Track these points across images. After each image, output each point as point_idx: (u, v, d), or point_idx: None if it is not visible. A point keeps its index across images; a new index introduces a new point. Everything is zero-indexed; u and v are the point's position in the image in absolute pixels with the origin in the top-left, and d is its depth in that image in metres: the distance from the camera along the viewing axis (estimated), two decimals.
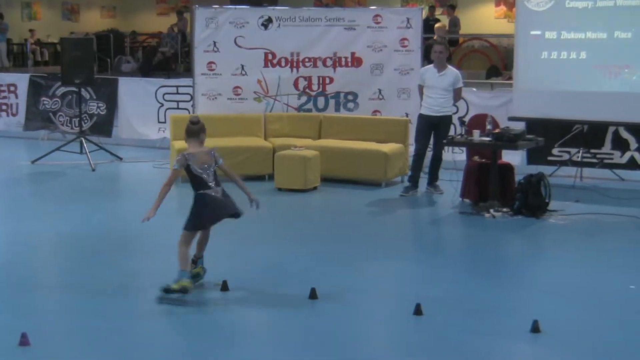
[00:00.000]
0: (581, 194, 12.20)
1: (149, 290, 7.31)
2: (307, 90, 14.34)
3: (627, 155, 13.36)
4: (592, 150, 13.46)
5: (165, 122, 15.38)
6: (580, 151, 13.38)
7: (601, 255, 9.06)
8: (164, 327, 6.81)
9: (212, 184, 7.39)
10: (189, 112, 14.75)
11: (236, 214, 7.52)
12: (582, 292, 7.63)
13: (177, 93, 15.75)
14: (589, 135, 13.35)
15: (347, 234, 9.89)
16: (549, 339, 6.34)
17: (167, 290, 7.18)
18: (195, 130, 7.51)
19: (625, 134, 13.28)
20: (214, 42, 14.20)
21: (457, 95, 12.19)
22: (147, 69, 25.66)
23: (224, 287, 7.48)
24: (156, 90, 15.88)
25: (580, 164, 13.50)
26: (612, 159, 13.42)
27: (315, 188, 12.36)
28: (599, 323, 6.74)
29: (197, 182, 7.41)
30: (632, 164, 13.35)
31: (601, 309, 7.13)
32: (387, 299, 7.50)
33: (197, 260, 7.64)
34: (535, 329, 6.42)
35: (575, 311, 7.08)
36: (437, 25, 20.13)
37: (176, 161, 7.41)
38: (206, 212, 7.39)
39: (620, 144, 13.34)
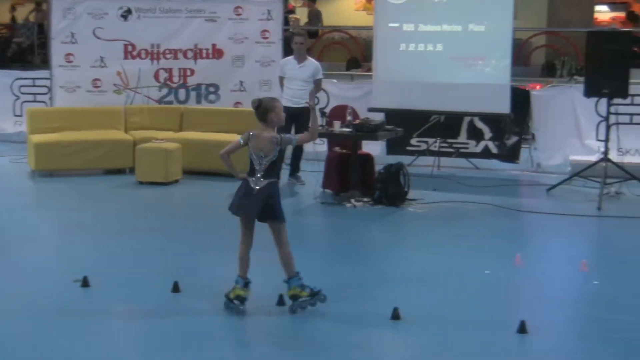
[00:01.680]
0: (439, 183, 12.46)
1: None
2: (167, 82, 14.21)
3: (482, 144, 13.75)
4: (449, 140, 13.78)
5: (21, 116, 14.92)
6: (438, 141, 13.67)
7: (458, 242, 9.27)
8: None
9: (259, 174, 6.78)
10: (46, 105, 14.38)
11: (270, 217, 6.81)
12: (441, 278, 7.77)
13: (34, 85, 15.27)
14: (446, 125, 13.65)
15: (210, 226, 9.81)
16: (409, 326, 6.42)
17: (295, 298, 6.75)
18: (260, 112, 6.82)
19: (479, 124, 13.66)
20: (72, 34, 13.90)
21: (317, 86, 12.26)
22: (1, 61, 24.81)
23: (85, 283, 7.28)
24: (12, 83, 15.39)
25: (438, 154, 13.80)
26: (467, 148, 13.79)
27: (177, 181, 12.23)
28: (458, 308, 6.89)
29: (250, 166, 6.86)
30: (486, 153, 13.75)
31: (459, 294, 7.30)
32: (252, 289, 7.48)
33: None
34: (395, 316, 6.50)
35: (434, 297, 7.21)
36: (291, 16, 20.24)
37: (242, 136, 6.84)
38: (238, 199, 6.85)
39: (475, 134, 13.71)
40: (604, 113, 11.93)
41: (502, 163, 13.80)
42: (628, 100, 12.11)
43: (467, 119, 13.65)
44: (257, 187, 6.72)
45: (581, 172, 12.05)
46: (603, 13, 27.20)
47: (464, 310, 6.83)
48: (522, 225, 10.46)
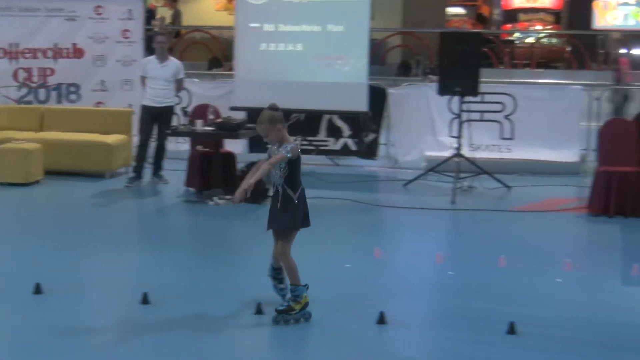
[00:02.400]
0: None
1: None
2: (27, 82, 13.84)
3: (341, 141, 13.93)
4: (309, 138, 13.90)
5: None
6: (298, 139, 13.76)
7: (319, 237, 9.31)
8: None
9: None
10: None
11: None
12: (302, 272, 7.83)
13: None
14: (306, 123, 13.76)
15: (72, 226, 9.62)
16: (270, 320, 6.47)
17: (286, 312, 6.42)
18: (282, 115, 6.73)
19: (339, 122, 13.83)
20: None
21: (179, 86, 12.18)
22: None
23: None
24: None
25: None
26: (327, 145, 13.94)
27: (38, 181, 11.93)
28: (320, 300, 6.96)
29: (299, 176, 6.68)
30: (345, 150, 13.93)
31: (321, 288, 7.36)
32: (114, 289, 7.38)
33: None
34: (259, 310, 6.53)
35: None
36: (156, 18, 20.11)
37: (289, 149, 6.49)
38: (302, 211, 6.71)
39: (335, 132, 13.87)
40: (456, 110, 12.27)
41: (360, 159, 14.01)
42: (478, 98, 12.46)
43: (326, 117, 13.80)
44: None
45: (436, 167, 12.36)
46: (454, 15, 27.87)
47: (324, 302, 6.90)
48: (381, 220, 10.65)
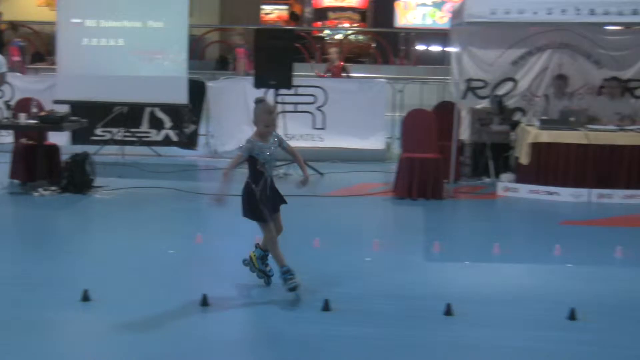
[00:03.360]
0: (124, 170, 12.33)
1: None
2: None
3: (163, 133, 13.78)
4: (132, 130, 13.67)
5: None
6: (121, 131, 13.51)
7: (143, 225, 9.22)
8: None
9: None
10: None
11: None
12: (128, 259, 7.70)
13: None
14: (129, 116, 13.54)
15: None
16: (99, 306, 6.32)
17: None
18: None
19: (160, 114, 13.67)
20: None
21: (0, 80, 11.69)
22: None
23: None
24: None
25: (122, 142, 13.65)
26: (149, 137, 13.75)
27: None
28: (144, 286, 6.86)
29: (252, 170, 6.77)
30: (167, 141, 13.80)
31: (146, 272, 7.26)
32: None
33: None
34: (85, 297, 6.37)
35: (122, 277, 7.13)
36: None
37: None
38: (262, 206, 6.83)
39: (156, 123, 13.70)
40: (272, 103, 12.33)
41: (182, 150, 13.89)
42: (292, 91, 12.59)
43: (148, 110, 13.62)
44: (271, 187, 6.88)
45: None
46: (268, 12, 27.99)
47: (149, 287, 6.80)
48: (202, 207, 10.58)
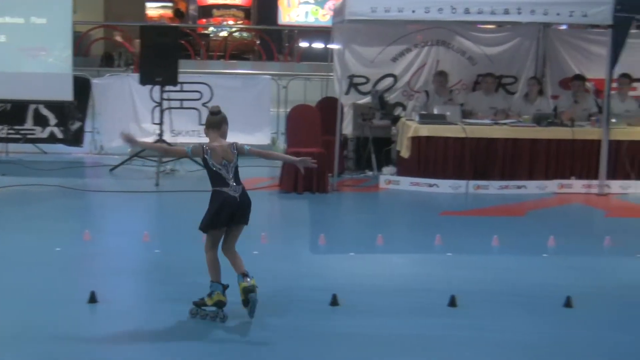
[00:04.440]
0: (8, 168, 11.95)
1: None
2: None
3: (48, 130, 13.40)
4: (16, 127, 13.25)
5: None
6: (5, 128, 13.09)
7: (29, 223, 8.96)
8: None
9: (231, 182, 6.14)
10: None
11: (245, 221, 6.32)
12: (13, 258, 7.47)
13: None
14: (13, 113, 13.13)
15: None
16: None
17: (199, 305, 6.04)
18: (216, 121, 6.27)
19: (44, 111, 13.29)
20: None
21: None
22: None
23: None
24: None
25: (6, 140, 13.23)
26: (34, 134, 13.36)
27: None
28: (32, 284, 6.67)
29: (215, 179, 6.15)
30: (52, 138, 13.43)
31: (34, 272, 7.06)
32: None
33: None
34: None
35: (7, 276, 6.91)
36: None
37: (191, 147, 6.18)
38: (224, 211, 6.10)
39: (41, 120, 13.32)
40: (158, 99, 12.16)
41: (67, 147, 13.56)
42: (178, 88, 12.45)
43: (32, 107, 13.22)
44: (237, 194, 6.17)
45: (140, 152, 12.20)
46: (153, 9, 27.60)
47: (37, 286, 6.63)
48: (89, 204, 10.36)
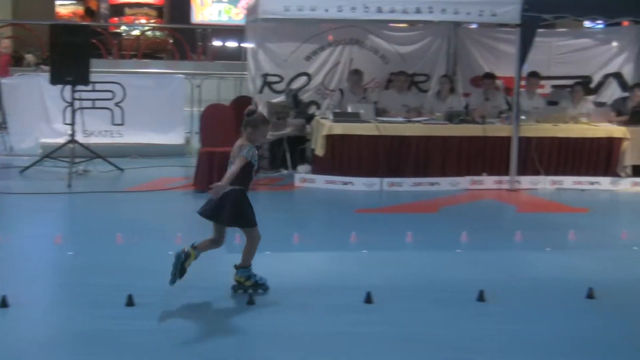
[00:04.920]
0: None
1: None
2: None
3: None
4: None
5: None
6: None
7: None
8: None
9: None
10: None
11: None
12: None
13: None
14: None
15: None
16: None
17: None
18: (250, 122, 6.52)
19: None
20: None
21: None
22: None
23: None
24: None
25: None
26: None
27: None
28: None
29: (247, 177, 6.46)
30: None
31: None
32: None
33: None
34: None
35: None
36: None
37: (251, 153, 6.40)
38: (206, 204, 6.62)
39: None
40: (69, 99, 11.92)
41: None
42: (90, 87, 12.22)
43: None
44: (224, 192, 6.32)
45: (51, 153, 11.95)
46: (64, 7, 27.08)
47: None
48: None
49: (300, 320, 6.06)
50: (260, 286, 6.66)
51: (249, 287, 6.62)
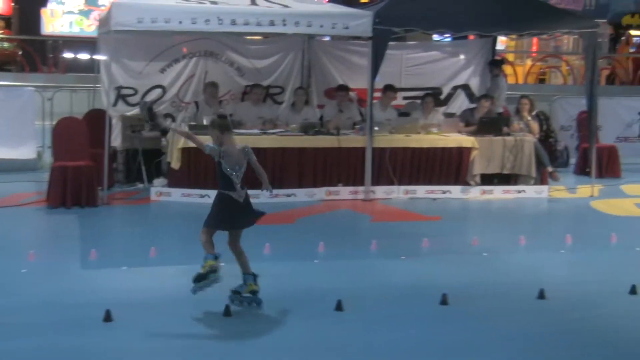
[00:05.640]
0: None
1: None
2: None
3: None
4: None
5: None
6: None
7: None
8: None
9: (237, 187, 6.47)
10: None
11: (253, 221, 6.67)
12: None
13: None
14: None
15: None
16: None
17: (198, 278, 6.40)
18: (228, 124, 6.60)
19: None
20: None
21: None
22: None
23: None
24: None
25: None
26: None
27: None
28: None
29: (225, 182, 6.45)
30: None
31: None
32: None
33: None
34: None
35: None
36: None
37: (211, 148, 6.44)
38: (226, 215, 6.47)
39: None
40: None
41: None
42: None
43: None
44: (242, 199, 6.49)
45: None
46: None
47: None
48: None
49: (157, 335, 5.97)
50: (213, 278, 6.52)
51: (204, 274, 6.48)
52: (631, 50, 23.62)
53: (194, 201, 11.02)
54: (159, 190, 11.30)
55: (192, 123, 11.78)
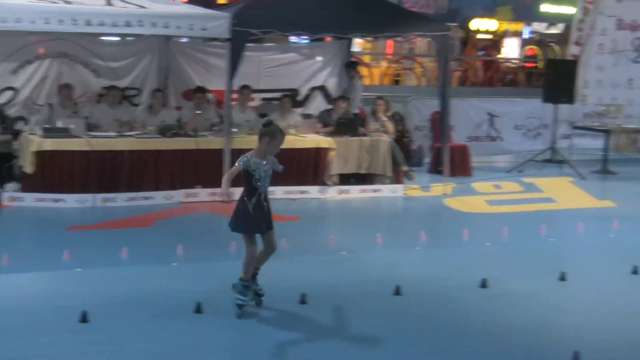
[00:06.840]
0: None
1: None
2: None
3: None
4: None
5: None
6: None
7: None
8: None
9: (264, 194, 6.86)
10: None
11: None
12: None
13: None
14: None
15: None
16: None
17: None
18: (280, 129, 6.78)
19: None
20: None
21: None
22: None
23: None
24: None
25: None
26: None
27: None
28: None
29: (251, 189, 6.75)
30: None
31: None
32: None
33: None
34: None
35: None
36: None
37: (243, 162, 6.64)
38: (253, 221, 6.79)
39: None
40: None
41: None
42: None
43: None
44: (266, 204, 6.75)
45: None
46: None
47: None
48: None
49: (7, 344, 5.77)
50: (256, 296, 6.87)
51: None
52: (480, 53, 24.46)
53: (48, 206, 10.69)
54: (11, 196, 10.90)
55: (46, 126, 11.42)
